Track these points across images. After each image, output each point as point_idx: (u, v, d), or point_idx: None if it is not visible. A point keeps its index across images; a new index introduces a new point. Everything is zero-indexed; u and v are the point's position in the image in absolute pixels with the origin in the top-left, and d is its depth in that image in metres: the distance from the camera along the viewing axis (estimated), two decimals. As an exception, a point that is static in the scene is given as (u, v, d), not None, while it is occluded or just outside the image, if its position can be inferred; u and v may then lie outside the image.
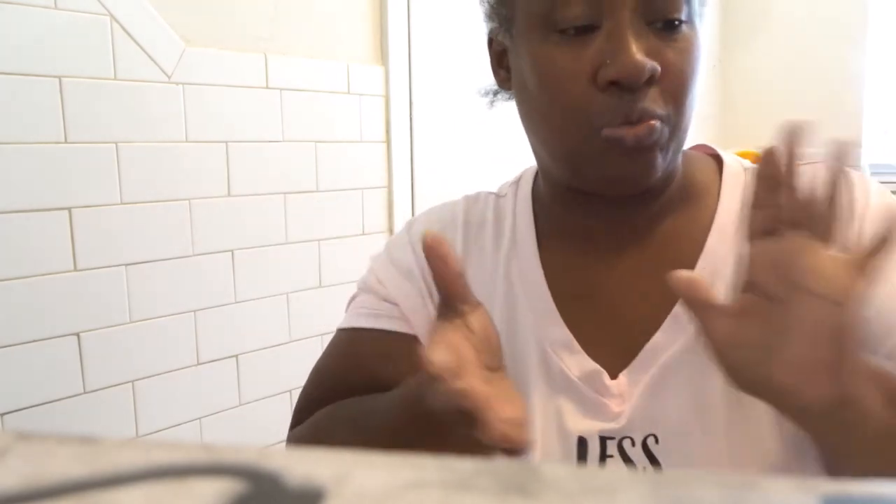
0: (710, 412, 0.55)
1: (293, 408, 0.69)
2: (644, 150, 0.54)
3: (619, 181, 0.56)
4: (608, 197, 0.59)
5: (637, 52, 0.51)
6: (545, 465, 0.17)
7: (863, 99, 2.77)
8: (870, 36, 2.75)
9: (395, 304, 0.65)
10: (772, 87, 2.96)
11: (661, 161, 0.55)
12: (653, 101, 0.53)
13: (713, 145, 0.67)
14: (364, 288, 0.68)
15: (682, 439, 0.55)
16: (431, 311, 0.64)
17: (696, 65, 0.55)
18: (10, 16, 1.18)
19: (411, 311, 0.65)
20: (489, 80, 0.66)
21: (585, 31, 0.53)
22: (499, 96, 0.66)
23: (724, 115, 3.06)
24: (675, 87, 0.53)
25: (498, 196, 0.69)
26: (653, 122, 0.53)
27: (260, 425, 1.57)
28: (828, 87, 2.82)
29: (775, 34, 2.96)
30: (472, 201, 0.69)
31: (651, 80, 0.52)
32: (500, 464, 0.17)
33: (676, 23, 0.53)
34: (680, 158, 0.61)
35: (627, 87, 0.52)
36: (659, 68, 0.52)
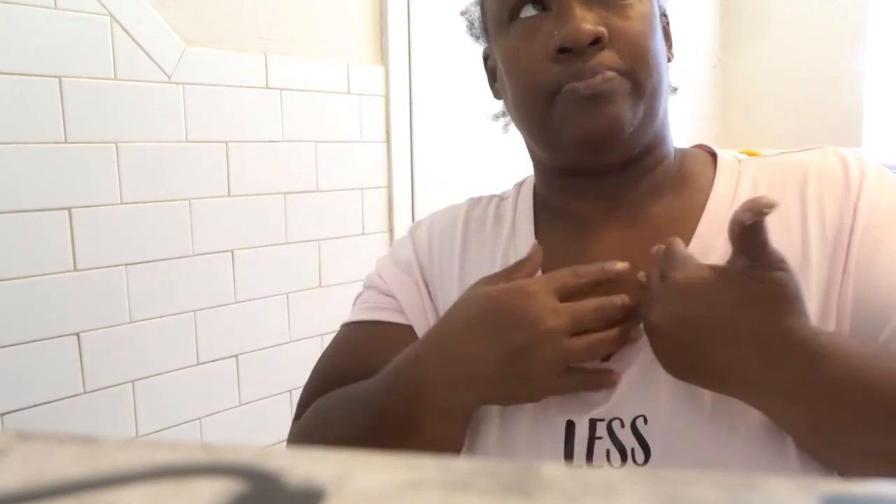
0: (699, 393, 0.54)
1: (293, 407, 0.70)
2: (601, 98, 0.55)
3: (586, 136, 0.57)
4: (592, 170, 0.61)
5: (581, 20, 0.55)
6: (545, 465, 0.17)
7: (863, 99, 2.77)
8: (870, 36, 2.75)
9: (394, 297, 0.68)
10: (772, 87, 2.96)
11: (625, 113, 0.56)
12: (604, 60, 0.56)
13: (712, 145, 0.67)
14: (367, 285, 0.72)
15: (672, 421, 0.55)
16: (427, 304, 0.68)
17: (650, 30, 0.58)
18: (10, 16, 1.18)
19: (408, 303, 0.68)
20: (494, 105, 0.70)
21: (538, 17, 0.58)
22: (507, 116, 0.69)
23: (724, 115, 3.06)
24: (629, 48, 0.56)
25: (501, 198, 0.72)
26: (607, 73, 0.55)
27: (260, 425, 1.57)
28: (828, 87, 2.82)
29: (775, 34, 2.95)
30: (476, 202, 0.73)
31: (600, 44, 0.55)
32: (500, 464, 0.18)
33: None
34: (666, 136, 0.63)
35: (576, 52, 0.55)
36: (605, 32, 0.55)
